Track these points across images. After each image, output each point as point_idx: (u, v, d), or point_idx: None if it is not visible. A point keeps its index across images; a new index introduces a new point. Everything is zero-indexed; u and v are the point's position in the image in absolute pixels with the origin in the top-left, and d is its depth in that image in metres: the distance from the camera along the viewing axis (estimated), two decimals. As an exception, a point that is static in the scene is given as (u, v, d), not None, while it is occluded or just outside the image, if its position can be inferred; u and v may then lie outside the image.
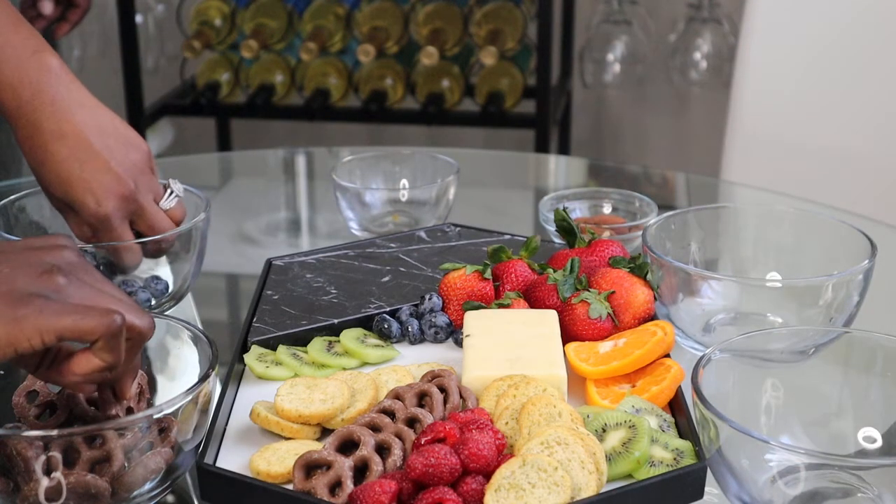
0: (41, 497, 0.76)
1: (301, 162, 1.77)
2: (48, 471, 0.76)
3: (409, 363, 0.98)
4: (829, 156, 1.81)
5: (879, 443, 0.87)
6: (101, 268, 1.07)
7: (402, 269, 1.12)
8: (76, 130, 1.03)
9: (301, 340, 1.01)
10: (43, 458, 0.75)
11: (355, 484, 0.79)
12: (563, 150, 2.80)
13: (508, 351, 0.92)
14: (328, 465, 0.80)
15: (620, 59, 2.65)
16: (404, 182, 1.35)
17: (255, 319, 1.03)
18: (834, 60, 1.80)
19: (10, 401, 0.87)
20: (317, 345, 1.00)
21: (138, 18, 2.50)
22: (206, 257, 1.13)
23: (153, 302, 1.08)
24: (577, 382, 0.93)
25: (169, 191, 1.09)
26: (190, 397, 0.80)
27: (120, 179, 1.03)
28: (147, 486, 0.80)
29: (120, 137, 1.05)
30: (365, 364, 0.98)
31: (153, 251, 1.07)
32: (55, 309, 0.73)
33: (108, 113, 1.07)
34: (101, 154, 1.03)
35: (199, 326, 0.94)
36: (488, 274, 1.03)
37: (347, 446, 0.83)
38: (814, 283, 1.00)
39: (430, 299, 1.03)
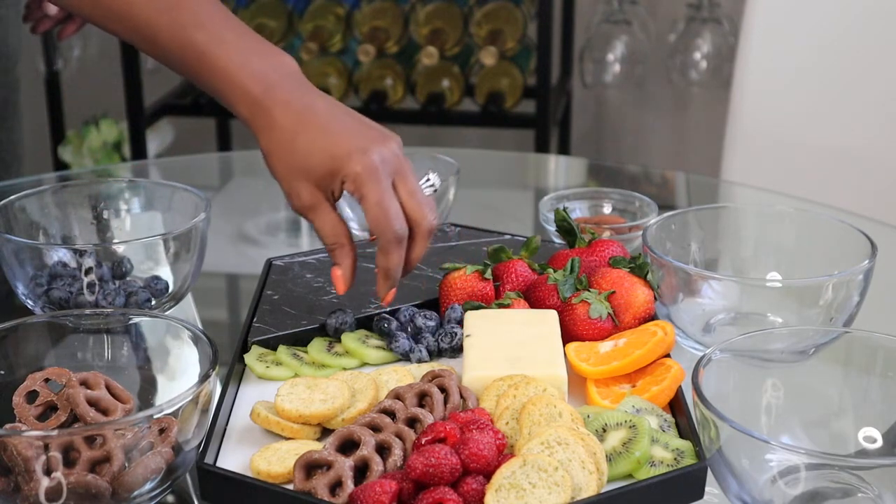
0: (41, 497, 0.76)
1: (301, 162, 1.76)
2: (48, 471, 0.76)
3: (409, 363, 0.98)
4: (829, 156, 1.81)
5: (879, 443, 0.87)
6: (103, 267, 1.07)
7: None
8: (326, 103, 0.98)
9: (301, 340, 1.01)
10: (43, 458, 0.75)
11: (356, 484, 0.79)
12: (563, 150, 2.80)
13: (509, 351, 0.92)
14: (328, 465, 0.80)
15: (620, 59, 2.65)
16: (404, 182, 1.34)
17: (255, 319, 1.03)
18: (834, 60, 1.80)
19: (10, 401, 0.87)
20: (317, 345, 1.00)
21: (138, 18, 2.50)
22: (206, 257, 1.13)
23: (153, 302, 1.08)
24: (577, 382, 0.93)
25: (426, 178, 1.05)
26: (190, 397, 0.80)
27: (384, 134, 0.97)
28: (147, 486, 0.80)
29: (366, 119, 1.00)
30: (365, 364, 0.98)
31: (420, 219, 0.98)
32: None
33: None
34: (357, 117, 0.99)
35: (199, 326, 0.94)
36: (488, 274, 1.03)
37: (348, 446, 0.83)
38: (814, 283, 1.00)
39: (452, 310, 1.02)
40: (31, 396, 0.87)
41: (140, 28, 0.99)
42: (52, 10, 1.44)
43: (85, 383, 0.87)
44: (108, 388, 0.88)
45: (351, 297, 1.06)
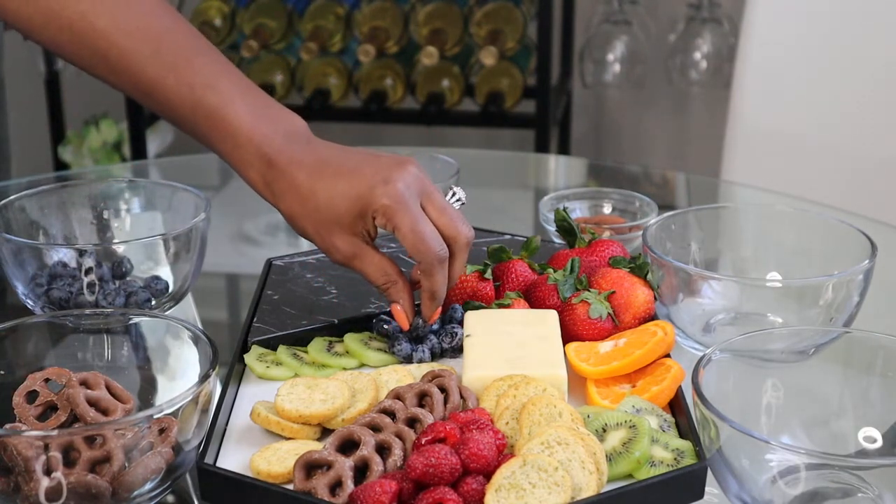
0: (41, 497, 0.76)
1: (301, 162, 1.76)
2: (48, 471, 0.76)
3: (409, 363, 0.98)
4: (829, 156, 1.81)
5: (879, 443, 0.87)
6: (103, 267, 1.07)
7: (402, 269, 1.12)
8: (335, 150, 0.98)
9: (301, 340, 1.01)
10: (43, 458, 0.75)
11: (356, 484, 0.79)
12: (563, 150, 2.80)
13: (509, 351, 0.92)
14: (328, 465, 0.80)
15: (620, 59, 2.65)
16: (404, 182, 1.34)
17: (255, 319, 1.03)
18: (834, 60, 1.80)
19: (10, 401, 0.87)
20: (317, 345, 1.00)
21: (138, 18, 2.50)
22: (206, 257, 1.13)
23: (153, 302, 1.08)
24: (577, 382, 0.93)
25: (452, 192, 1.05)
26: (190, 397, 0.80)
27: (399, 160, 0.96)
28: (147, 486, 0.80)
29: (376, 152, 0.99)
30: (365, 364, 0.98)
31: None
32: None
33: None
34: (368, 152, 0.98)
35: (199, 326, 0.94)
36: (488, 274, 1.03)
37: (348, 446, 0.83)
38: (814, 283, 1.00)
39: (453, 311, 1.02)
40: (31, 396, 0.87)
41: (145, 86, 0.98)
42: None
43: (85, 383, 0.87)
44: (108, 388, 0.88)
45: (351, 297, 1.06)
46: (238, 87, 0.98)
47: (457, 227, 0.96)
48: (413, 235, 0.93)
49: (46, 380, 0.87)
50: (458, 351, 0.99)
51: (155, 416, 0.80)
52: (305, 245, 1.43)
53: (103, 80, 1.01)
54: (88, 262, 1.04)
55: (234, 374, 0.95)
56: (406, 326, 0.98)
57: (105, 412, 0.86)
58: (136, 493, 0.80)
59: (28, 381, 0.87)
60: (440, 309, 0.98)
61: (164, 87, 0.98)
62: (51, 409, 0.87)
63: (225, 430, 0.89)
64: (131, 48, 0.97)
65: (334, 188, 0.94)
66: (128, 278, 1.09)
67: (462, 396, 0.88)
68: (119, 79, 0.99)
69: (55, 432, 0.76)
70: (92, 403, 0.86)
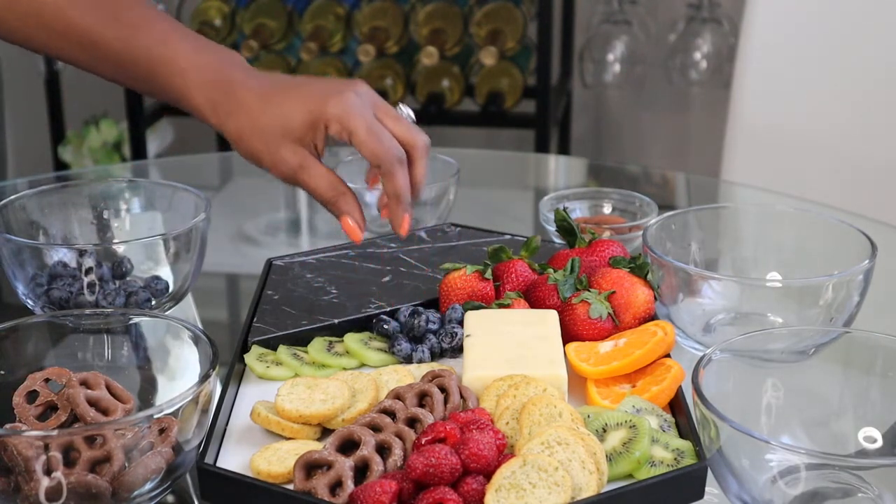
0: (41, 497, 0.76)
1: (301, 162, 1.76)
2: (48, 471, 0.76)
3: (409, 363, 0.98)
4: (829, 156, 1.81)
5: (879, 443, 0.87)
6: (103, 267, 1.07)
7: (402, 269, 1.12)
8: (284, 75, 1.02)
9: (301, 340, 1.01)
10: (43, 458, 0.75)
11: (356, 484, 0.79)
12: (563, 150, 2.80)
13: (509, 351, 0.92)
14: (329, 465, 0.80)
15: (620, 59, 2.65)
16: (404, 182, 1.35)
17: (255, 319, 1.03)
18: (834, 60, 1.80)
19: (10, 401, 0.87)
20: (317, 345, 1.00)
21: (138, 18, 2.50)
22: (206, 257, 1.13)
23: (153, 302, 1.08)
24: (577, 382, 0.93)
25: (399, 110, 1.05)
26: (190, 397, 0.80)
27: (350, 80, 0.99)
28: (147, 486, 0.80)
29: (297, 78, 1.02)
30: (365, 364, 0.98)
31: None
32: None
33: None
34: (318, 77, 1.03)
35: (199, 326, 0.94)
36: (488, 274, 1.03)
37: (348, 446, 0.83)
38: (814, 283, 1.00)
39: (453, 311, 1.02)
40: (31, 396, 0.87)
41: (84, 41, 1.00)
42: None
43: (85, 383, 0.87)
44: (108, 388, 0.88)
45: (351, 297, 1.06)
46: (174, 27, 1.01)
47: (413, 133, 0.98)
48: (370, 136, 0.94)
49: (46, 380, 0.87)
50: (458, 351, 0.99)
51: (155, 416, 0.80)
52: (305, 245, 1.43)
53: (43, 44, 1.03)
54: (88, 262, 1.04)
55: (234, 374, 0.95)
56: (358, 239, 0.98)
57: (105, 412, 0.86)
58: (136, 493, 0.80)
59: (28, 381, 0.87)
60: (408, 217, 0.98)
61: (102, 39, 1.00)
62: (51, 409, 0.87)
63: (225, 430, 0.89)
64: (68, 2, 1.00)
65: (285, 102, 0.96)
66: (128, 278, 1.09)
67: (462, 396, 0.88)
68: (55, 36, 1.01)
69: (55, 432, 0.76)
70: (92, 403, 0.86)
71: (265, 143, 0.97)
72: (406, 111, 1.06)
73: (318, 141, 0.96)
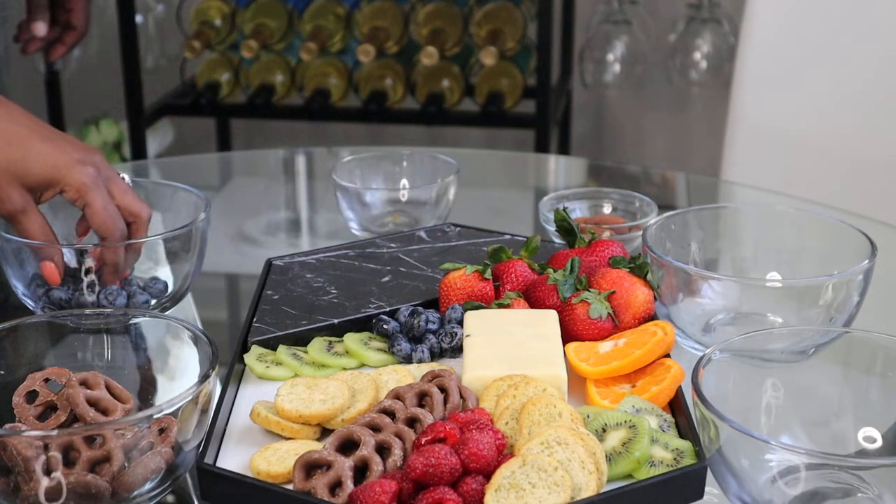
0: (41, 497, 0.76)
1: (301, 162, 1.77)
2: (48, 471, 0.76)
3: (409, 363, 0.98)
4: (829, 156, 1.81)
5: (879, 443, 0.87)
6: (99, 273, 1.07)
7: (402, 269, 1.12)
8: (23, 112, 1.06)
9: (301, 340, 1.01)
10: (43, 458, 0.75)
11: (355, 484, 0.79)
12: (563, 150, 2.80)
13: (508, 351, 0.92)
14: (328, 465, 0.80)
15: (620, 59, 2.65)
16: (404, 182, 1.35)
17: (255, 319, 1.03)
18: (834, 60, 1.80)
19: (10, 401, 0.87)
20: (317, 345, 1.00)
21: (138, 18, 2.50)
22: (206, 257, 1.13)
23: (153, 302, 1.08)
24: (577, 382, 0.93)
25: (122, 177, 1.12)
26: (190, 397, 0.80)
27: (90, 148, 1.07)
28: (147, 486, 0.80)
29: (46, 128, 1.07)
30: (365, 364, 0.98)
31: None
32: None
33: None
34: (57, 131, 1.07)
35: (199, 326, 0.94)
36: (488, 274, 1.03)
37: (348, 446, 0.83)
38: (814, 283, 1.00)
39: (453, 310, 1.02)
40: (31, 396, 0.87)
41: None
42: (39, 31, 1.44)
43: (85, 383, 0.87)
44: (108, 388, 0.88)
45: (351, 297, 1.06)
46: None
47: (140, 205, 1.07)
48: (104, 213, 1.04)
49: (46, 380, 0.87)
50: (458, 351, 0.99)
51: (155, 416, 0.80)
52: (305, 245, 1.43)
53: None
54: (88, 262, 1.04)
55: (234, 374, 0.95)
56: (58, 280, 1.05)
57: (105, 412, 0.86)
58: (135, 493, 0.80)
59: (28, 381, 0.87)
60: (118, 279, 1.07)
61: None
62: (50, 409, 0.87)
63: (225, 430, 0.89)
64: None
65: (33, 149, 1.03)
66: (128, 278, 1.09)
67: (462, 396, 0.88)
68: None
69: (55, 432, 0.76)
70: (92, 403, 0.86)
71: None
72: (127, 179, 1.14)
73: (45, 196, 1.05)
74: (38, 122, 1.06)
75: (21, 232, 1.04)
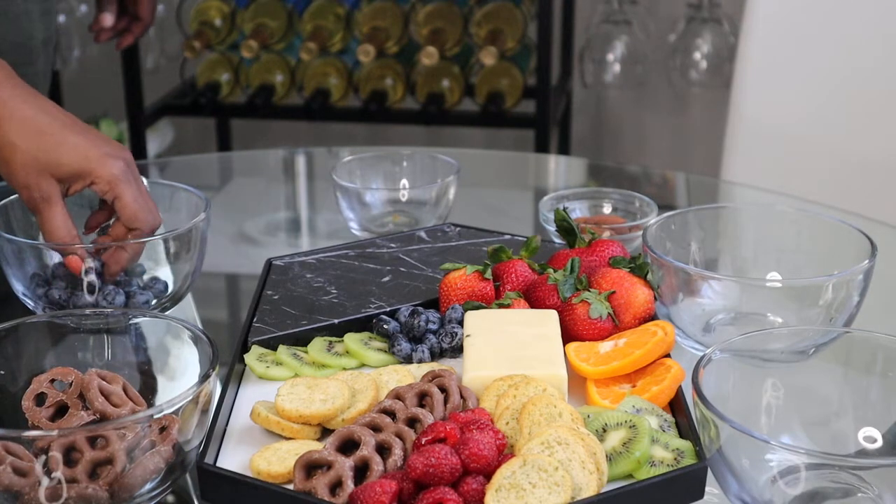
0: (41, 497, 0.76)
1: (301, 162, 1.77)
2: (48, 471, 0.76)
3: (409, 363, 0.98)
4: (829, 156, 1.81)
5: (879, 443, 0.87)
6: (102, 269, 1.07)
7: (402, 269, 1.12)
8: (56, 107, 1.05)
9: (301, 340, 1.01)
10: (43, 458, 0.75)
11: (356, 484, 0.79)
12: (563, 150, 2.80)
13: (509, 351, 0.92)
14: (329, 465, 0.80)
15: (620, 59, 2.65)
16: (404, 182, 1.35)
17: (255, 319, 1.03)
18: (834, 60, 1.80)
19: (10, 401, 0.87)
20: (317, 345, 1.00)
21: (138, 18, 2.50)
22: (206, 257, 1.13)
23: (153, 302, 1.08)
24: (577, 382, 0.93)
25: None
26: (190, 397, 0.80)
27: (121, 145, 1.06)
28: (147, 487, 0.80)
29: (77, 122, 1.06)
30: (365, 364, 0.98)
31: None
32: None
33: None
34: (90, 127, 1.06)
35: (199, 326, 0.94)
36: (488, 274, 1.03)
37: (348, 446, 0.83)
38: (814, 283, 1.00)
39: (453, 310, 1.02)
40: (40, 399, 0.86)
41: None
42: (107, 21, 1.51)
43: (104, 377, 0.87)
44: (125, 390, 0.88)
45: (351, 297, 1.06)
46: None
47: (154, 210, 1.07)
48: (135, 205, 1.04)
49: (52, 380, 0.87)
50: (458, 351, 0.99)
51: (155, 416, 0.79)
52: (305, 245, 1.43)
53: None
54: (88, 262, 1.04)
55: (234, 374, 0.95)
56: (79, 270, 1.04)
57: (114, 406, 0.85)
58: (136, 493, 0.79)
59: (34, 384, 0.87)
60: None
61: None
62: (61, 409, 0.86)
63: (225, 430, 0.89)
64: None
65: (66, 138, 1.02)
66: (128, 278, 1.09)
67: (462, 396, 0.88)
68: None
69: (55, 432, 0.76)
70: (104, 394, 0.86)
71: (29, 163, 1.02)
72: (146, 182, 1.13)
73: (75, 188, 1.03)
74: (69, 116, 1.05)
75: (43, 223, 1.03)
